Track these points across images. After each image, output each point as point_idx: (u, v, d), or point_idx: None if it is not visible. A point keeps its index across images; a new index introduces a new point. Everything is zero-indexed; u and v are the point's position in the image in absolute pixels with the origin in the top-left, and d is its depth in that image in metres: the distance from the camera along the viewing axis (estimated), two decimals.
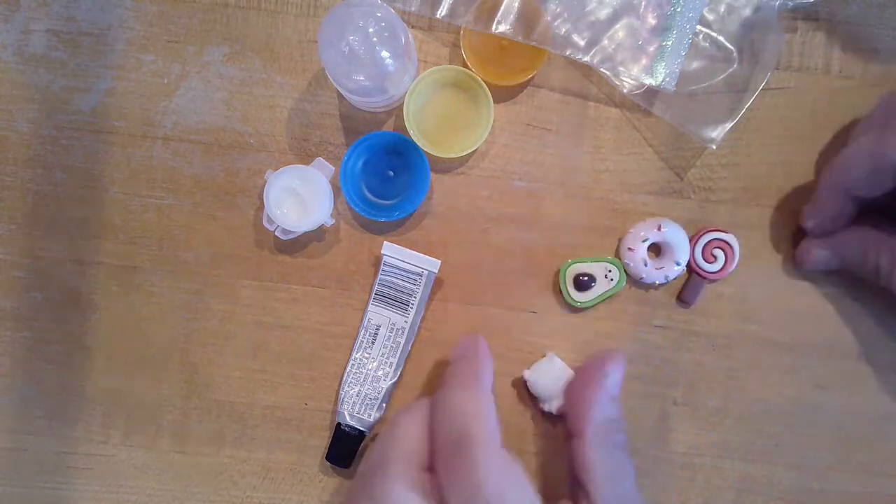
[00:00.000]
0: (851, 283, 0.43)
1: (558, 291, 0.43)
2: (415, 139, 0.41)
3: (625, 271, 0.43)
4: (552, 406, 0.41)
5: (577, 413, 0.38)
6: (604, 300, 0.43)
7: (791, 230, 0.43)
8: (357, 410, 0.42)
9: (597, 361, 0.39)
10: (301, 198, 0.41)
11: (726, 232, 0.43)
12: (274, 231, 0.42)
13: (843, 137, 0.43)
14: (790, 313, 0.43)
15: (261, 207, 0.43)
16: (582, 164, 0.43)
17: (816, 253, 0.41)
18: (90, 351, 0.44)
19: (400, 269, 0.42)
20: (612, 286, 0.42)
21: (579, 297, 0.42)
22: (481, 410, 0.35)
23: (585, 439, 0.37)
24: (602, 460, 0.37)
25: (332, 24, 0.37)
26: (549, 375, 0.41)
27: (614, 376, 0.38)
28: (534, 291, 0.44)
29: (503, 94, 0.43)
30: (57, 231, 0.43)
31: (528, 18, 0.41)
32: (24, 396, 0.44)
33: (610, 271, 0.42)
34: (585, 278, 0.42)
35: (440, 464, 0.34)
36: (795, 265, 0.43)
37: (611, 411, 0.38)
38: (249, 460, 0.44)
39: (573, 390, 0.40)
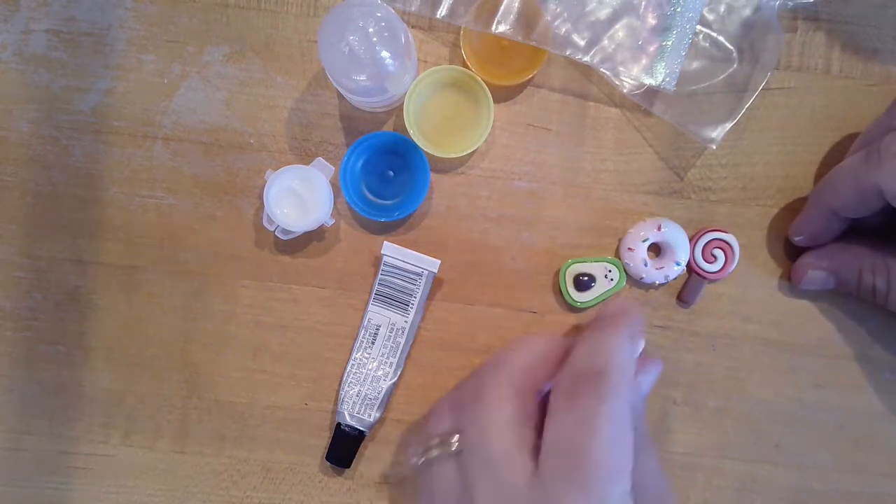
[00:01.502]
0: None
1: (558, 291, 0.43)
2: (415, 139, 0.41)
3: (625, 271, 0.43)
4: None
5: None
6: (604, 300, 0.43)
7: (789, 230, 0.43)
8: (357, 410, 0.42)
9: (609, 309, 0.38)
10: (301, 198, 0.41)
11: (726, 232, 0.43)
12: (274, 231, 0.42)
13: (843, 138, 0.43)
14: (790, 313, 0.43)
15: (261, 207, 0.43)
16: (582, 164, 0.43)
17: (811, 274, 0.41)
18: (90, 351, 0.44)
19: (400, 269, 0.42)
20: (612, 286, 0.42)
21: (579, 298, 0.42)
22: (626, 358, 0.33)
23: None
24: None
25: (332, 24, 0.37)
26: None
27: (646, 381, 0.38)
28: (534, 291, 0.44)
29: (503, 94, 0.43)
30: (57, 231, 0.43)
31: (528, 18, 0.41)
32: (24, 396, 0.44)
33: (610, 271, 0.42)
34: (585, 278, 0.42)
35: (560, 390, 0.33)
36: (791, 282, 0.43)
37: (637, 402, 0.37)
38: (249, 460, 0.44)
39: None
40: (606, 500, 0.30)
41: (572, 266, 0.43)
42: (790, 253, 0.43)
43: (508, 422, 0.33)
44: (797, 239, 0.42)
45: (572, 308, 0.43)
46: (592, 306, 0.43)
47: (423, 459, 0.35)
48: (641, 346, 0.38)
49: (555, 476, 0.31)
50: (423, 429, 0.38)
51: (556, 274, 0.43)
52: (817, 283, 0.42)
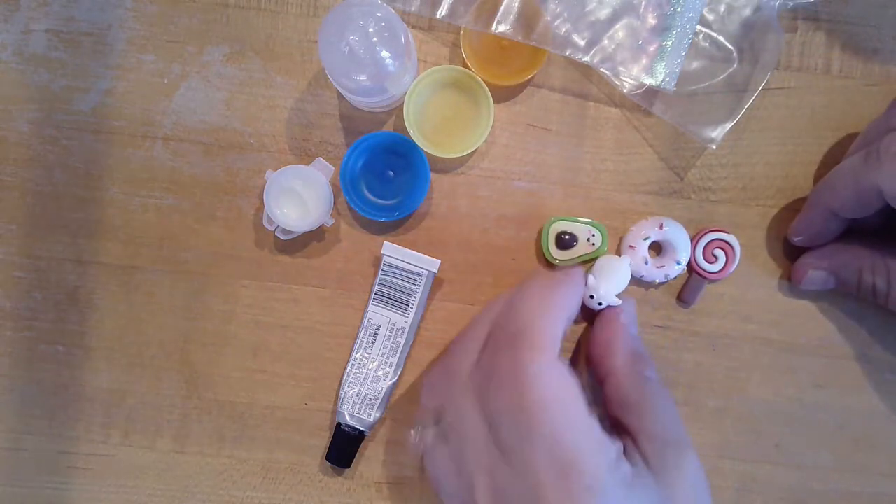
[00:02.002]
0: None
1: (539, 248, 0.43)
2: (415, 139, 0.41)
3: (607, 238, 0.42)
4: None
5: (602, 355, 0.38)
6: (582, 262, 0.42)
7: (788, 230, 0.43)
8: (357, 410, 0.42)
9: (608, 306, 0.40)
10: (301, 198, 0.41)
11: (727, 232, 0.43)
12: (274, 231, 0.42)
13: (843, 138, 0.43)
14: (790, 313, 0.43)
15: (261, 207, 0.43)
16: (582, 164, 0.43)
17: (812, 274, 0.41)
18: (90, 351, 0.44)
19: (400, 269, 0.42)
20: (592, 250, 0.42)
21: (559, 255, 0.42)
22: (548, 314, 0.34)
23: (617, 375, 0.37)
24: (638, 390, 0.36)
25: (332, 24, 0.37)
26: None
27: (629, 311, 0.39)
28: None
29: (503, 94, 0.43)
30: (57, 231, 0.43)
31: (528, 18, 0.41)
32: (24, 396, 0.44)
33: (593, 235, 0.42)
34: (567, 237, 0.42)
35: (485, 358, 0.33)
36: (791, 282, 0.43)
37: (635, 345, 0.38)
38: (249, 460, 0.44)
39: (592, 338, 0.40)
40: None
41: (556, 223, 0.42)
42: (790, 253, 0.43)
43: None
44: (796, 239, 0.42)
45: (550, 265, 0.43)
46: (570, 266, 0.43)
47: (417, 439, 0.37)
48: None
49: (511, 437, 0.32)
50: (418, 407, 0.39)
51: (539, 231, 0.43)
52: (817, 284, 0.42)
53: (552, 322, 0.34)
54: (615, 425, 0.37)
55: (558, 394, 0.32)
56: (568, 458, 0.31)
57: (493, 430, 0.32)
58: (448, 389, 0.36)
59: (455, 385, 0.35)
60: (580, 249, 0.42)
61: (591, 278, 0.40)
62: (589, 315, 0.42)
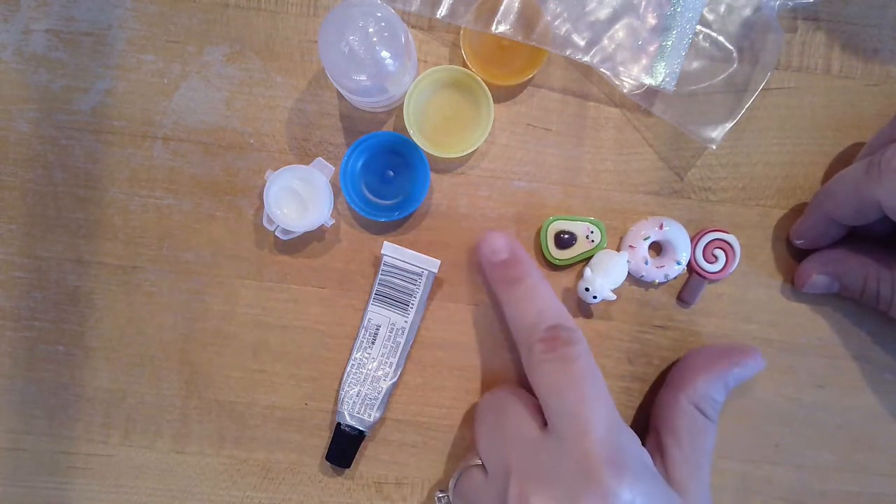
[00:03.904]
0: None
1: (538, 250, 0.43)
2: (415, 139, 0.41)
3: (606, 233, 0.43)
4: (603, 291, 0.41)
5: (689, 373, 0.39)
6: (581, 260, 0.42)
7: (789, 233, 0.43)
8: (357, 410, 0.42)
9: (743, 348, 0.40)
10: (301, 198, 0.41)
11: (727, 232, 0.43)
12: (274, 231, 0.42)
13: (842, 138, 0.43)
14: (790, 313, 0.43)
15: (261, 207, 0.43)
16: (582, 164, 0.43)
17: (815, 278, 0.41)
18: (90, 351, 0.44)
19: (400, 269, 0.42)
20: (592, 247, 0.42)
21: (559, 255, 0.42)
22: (565, 309, 0.38)
23: (683, 395, 0.38)
24: (690, 418, 0.38)
25: (332, 24, 0.37)
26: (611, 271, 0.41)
27: (744, 371, 0.39)
28: None
29: (503, 94, 0.43)
30: (57, 231, 0.43)
31: (528, 18, 0.41)
32: (24, 396, 0.44)
33: (592, 232, 0.42)
34: (566, 236, 0.42)
35: (531, 354, 0.36)
36: (794, 286, 0.43)
37: (718, 392, 0.39)
38: (249, 460, 0.44)
39: (701, 355, 0.40)
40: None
41: (554, 223, 0.42)
42: (790, 253, 0.43)
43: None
44: (798, 242, 0.42)
45: (551, 265, 0.43)
46: (571, 265, 0.43)
47: (457, 475, 0.40)
48: None
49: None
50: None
51: (538, 232, 0.43)
52: (821, 288, 0.41)
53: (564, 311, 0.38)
54: (653, 436, 0.39)
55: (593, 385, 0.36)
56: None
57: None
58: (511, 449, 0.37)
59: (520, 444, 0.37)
60: (580, 247, 0.42)
61: (587, 271, 0.41)
62: (586, 307, 0.43)
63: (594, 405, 0.34)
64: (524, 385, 0.43)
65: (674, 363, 0.43)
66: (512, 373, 0.44)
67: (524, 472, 0.35)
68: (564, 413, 0.34)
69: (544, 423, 0.36)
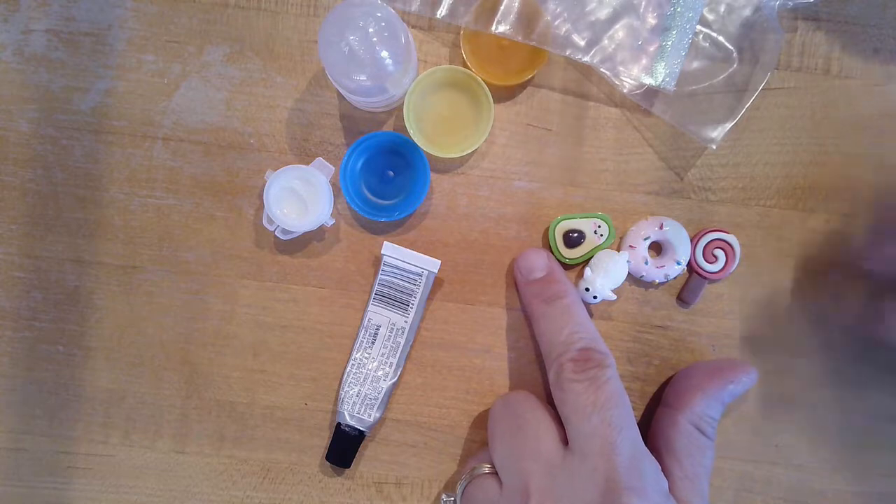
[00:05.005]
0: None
1: (547, 249, 0.43)
2: (415, 139, 0.41)
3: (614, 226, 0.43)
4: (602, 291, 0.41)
5: (687, 394, 0.39)
6: (593, 255, 0.42)
7: (790, 231, 0.43)
8: (357, 410, 0.42)
9: (736, 364, 0.40)
10: (301, 198, 0.41)
11: (727, 232, 0.43)
12: (274, 231, 0.42)
13: (842, 139, 0.43)
14: (789, 313, 0.43)
15: (261, 207, 0.43)
16: (582, 164, 0.43)
17: None
18: (90, 351, 0.44)
19: (400, 269, 0.42)
20: (601, 241, 0.42)
21: (569, 254, 0.42)
22: (597, 332, 0.38)
23: (682, 416, 0.38)
24: (690, 438, 0.38)
25: (332, 24, 0.37)
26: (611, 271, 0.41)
27: (739, 387, 0.39)
28: None
29: (503, 94, 0.43)
30: (57, 231, 0.43)
31: (528, 18, 0.41)
32: (24, 396, 0.44)
33: (599, 227, 0.42)
34: (575, 234, 0.42)
35: (562, 373, 0.36)
36: (873, 333, 0.42)
37: (716, 410, 0.39)
38: (249, 460, 0.44)
39: (696, 373, 0.41)
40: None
41: (562, 223, 0.42)
42: (790, 254, 0.43)
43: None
44: (872, 268, 0.41)
45: (564, 266, 0.43)
46: (582, 262, 0.43)
47: (467, 480, 0.39)
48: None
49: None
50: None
51: (546, 232, 0.43)
52: None
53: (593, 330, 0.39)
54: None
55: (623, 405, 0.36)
56: None
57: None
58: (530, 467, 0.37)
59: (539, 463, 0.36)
60: (589, 244, 0.42)
61: (587, 271, 0.41)
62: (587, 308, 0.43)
63: (620, 431, 0.34)
64: (524, 386, 0.43)
65: (668, 381, 0.43)
66: (514, 374, 0.44)
67: (544, 493, 0.34)
68: (589, 435, 0.34)
69: (564, 440, 0.36)
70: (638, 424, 0.43)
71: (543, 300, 0.40)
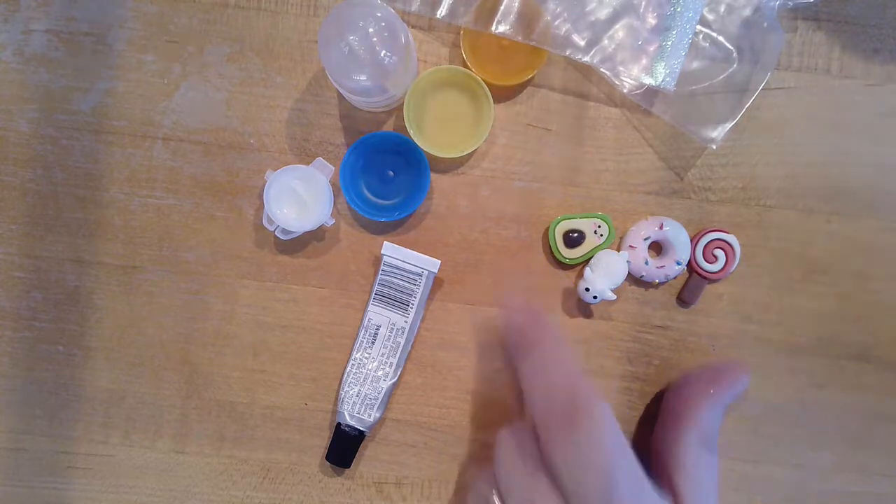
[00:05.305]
0: (851, 281, 0.43)
1: (548, 251, 0.43)
2: (415, 139, 0.41)
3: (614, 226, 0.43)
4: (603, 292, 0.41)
5: (691, 406, 0.39)
6: (593, 255, 0.42)
7: (789, 231, 0.43)
8: (357, 410, 0.42)
9: (730, 366, 0.40)
10: (301, 198, 0.41)
11: (727, 232, 0.43)
12: (274, 231, 0.42)
13: (842, 139, 0.43)
14: (790, 313, 0.43)
15: (261, 207, 0.43)
16: (582, 164, 0.43)
17: None
18: (90, 351, 0.44)
19: (400, 269, 0.42)
20: (601, 241, 0.42)
21: (569, 254, 0.42)
22: (582, 377, 0.34)
23: (686, 432, 0.38)
24: (697, 455, 0.38)
25: (332, 24, 0.37)
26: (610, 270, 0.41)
27: (737, 388, 0.39)
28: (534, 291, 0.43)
29: (503, 94, 0.43)
30: (57, 231, 0.43)
31: (528, 18, 0.41)
32: (24, 396, 0.44)
33: (599, 227, 0.42)
34: (575, 234, 0.42)
35: (549, 434, 0.33)
36: None
37: (719, 419, 0.39)
38: (249, 460, 0.44)
39: (696, 382, 0.40)
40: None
41: (562, 223, 0.42)
42: (790, 254, 0.43)
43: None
44: None
45: (562, 265, 0.43)
46: (582, 262, 0.43)
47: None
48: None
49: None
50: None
51: (545, 232, 0.43)
52: None
53: (590, 386, 0.35)
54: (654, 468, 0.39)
55: (621, 456, 0.33)
56: None
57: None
58: (518, 471, 0.35)
59: (525, 467, 0.35)
60: (589, 244, 0.42)
61: (587, 271, 0.41)
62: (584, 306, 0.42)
63: (617, 484, 0.32)
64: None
65: (664, 389, 0.43)
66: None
67: None
68: (585, 498, 0.32)
69: None
70: (637, 425, 0.44)
71: (522, 351, 0.37)
